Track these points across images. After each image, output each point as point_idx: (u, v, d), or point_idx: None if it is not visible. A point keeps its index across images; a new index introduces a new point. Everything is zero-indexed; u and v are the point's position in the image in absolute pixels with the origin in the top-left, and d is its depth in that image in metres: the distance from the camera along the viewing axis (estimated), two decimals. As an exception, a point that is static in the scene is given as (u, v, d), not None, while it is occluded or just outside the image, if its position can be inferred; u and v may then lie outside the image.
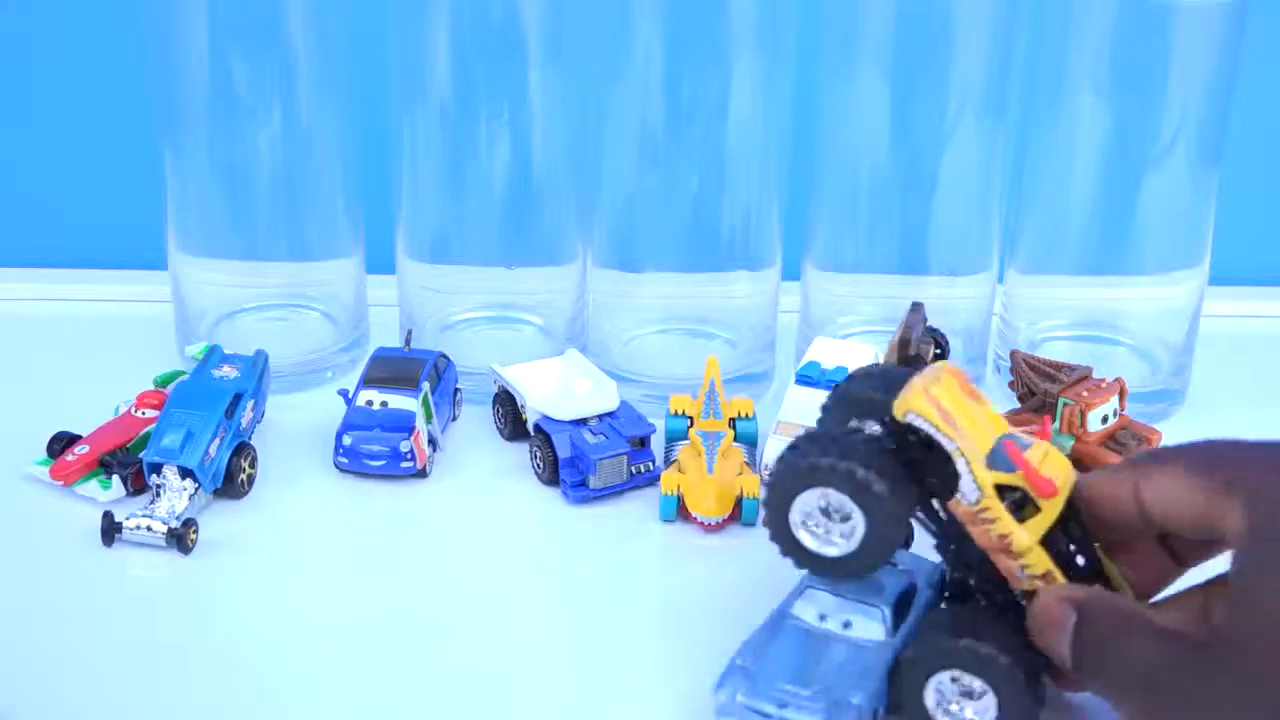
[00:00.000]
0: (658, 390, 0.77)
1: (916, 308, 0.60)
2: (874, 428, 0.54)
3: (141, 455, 0.68)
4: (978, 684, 0.51)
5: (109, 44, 0.91)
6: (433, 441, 0.72)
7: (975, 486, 0.50)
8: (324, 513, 0.69)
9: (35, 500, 0.69)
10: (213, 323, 0.81)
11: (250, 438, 0.71)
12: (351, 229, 0.82)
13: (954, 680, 0.52)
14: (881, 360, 0.72)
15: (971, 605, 0.55)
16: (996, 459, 0.51)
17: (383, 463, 0.71)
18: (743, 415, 0.72)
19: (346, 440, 0.71)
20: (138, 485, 0.69)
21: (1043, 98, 0.76)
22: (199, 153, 0.78)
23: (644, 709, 0.58)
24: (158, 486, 0.67)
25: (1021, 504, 0.51)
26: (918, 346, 0.60)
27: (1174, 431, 0.73)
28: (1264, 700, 0.44)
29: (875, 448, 0.52)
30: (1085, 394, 0.71)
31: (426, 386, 0.72)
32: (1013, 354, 0.76)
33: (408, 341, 0.77)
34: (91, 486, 0.69)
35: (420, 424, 0.71)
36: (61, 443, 0.71)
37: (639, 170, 0.76)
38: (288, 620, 0.62)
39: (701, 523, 0.67)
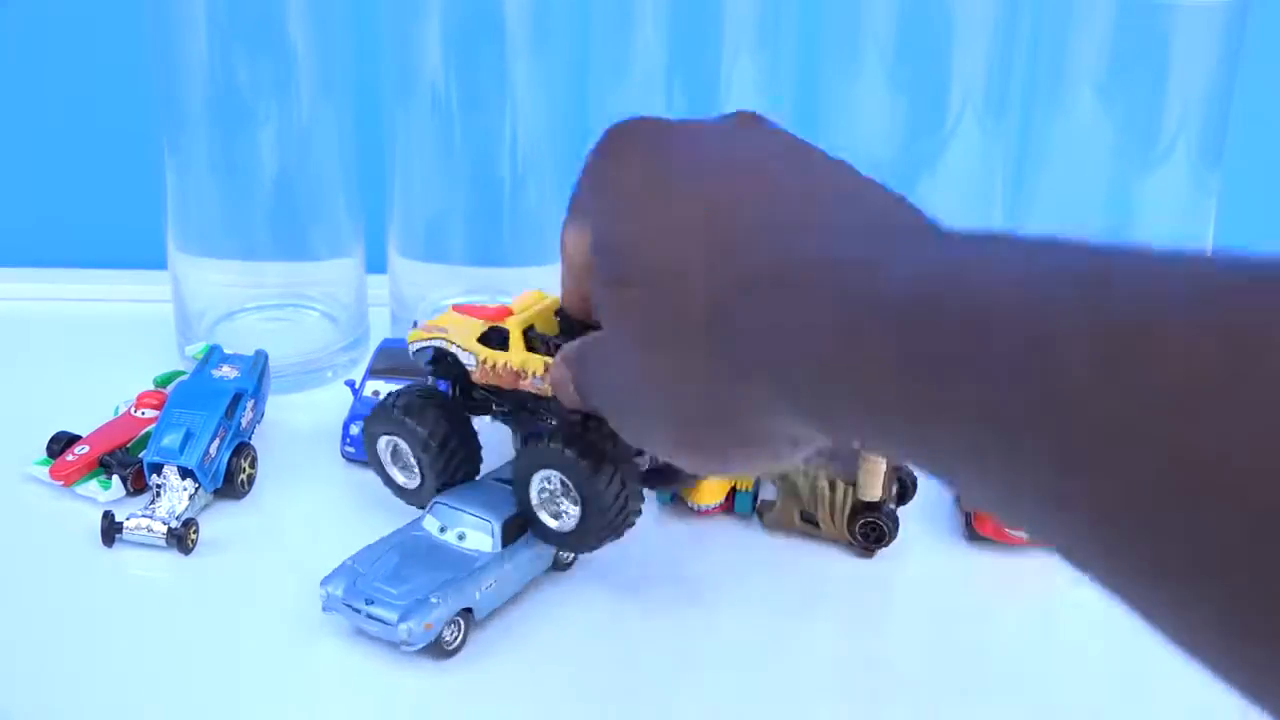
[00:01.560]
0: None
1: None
2: None
3: (141, 455, 0.68)
4: (556, 477, 0.60)
5: (109, 44, 0.91)
6: None
7: (468, 353, 0.62)
8: (324, 513, 0.69)
9: (35, 500, 0.69)
10: (213, 323, 0.81)
11: (250, 438, 0.71)
12: (351, 229, 0.82)
13: (546, 483, 0.61)
14: None
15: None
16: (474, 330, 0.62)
17: None
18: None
19: (354, 430, 0.72)
20: (138, 485, 0.69)
21: (1043, 97, 0.76)
22: (199, 153, 0.78)
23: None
24: (158, 486, 0.67)
25: (490, 336, 0.62)
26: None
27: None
28: (609, 340, 0.49)
29: (418, 396, 0.64)
30: None
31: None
32: None
33: None
34: (91, 486, 0.69)
35: None
36: (61, 443, 0.71)
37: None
38: (288, 620, 0.62)
39: (693, 508, 0.68)
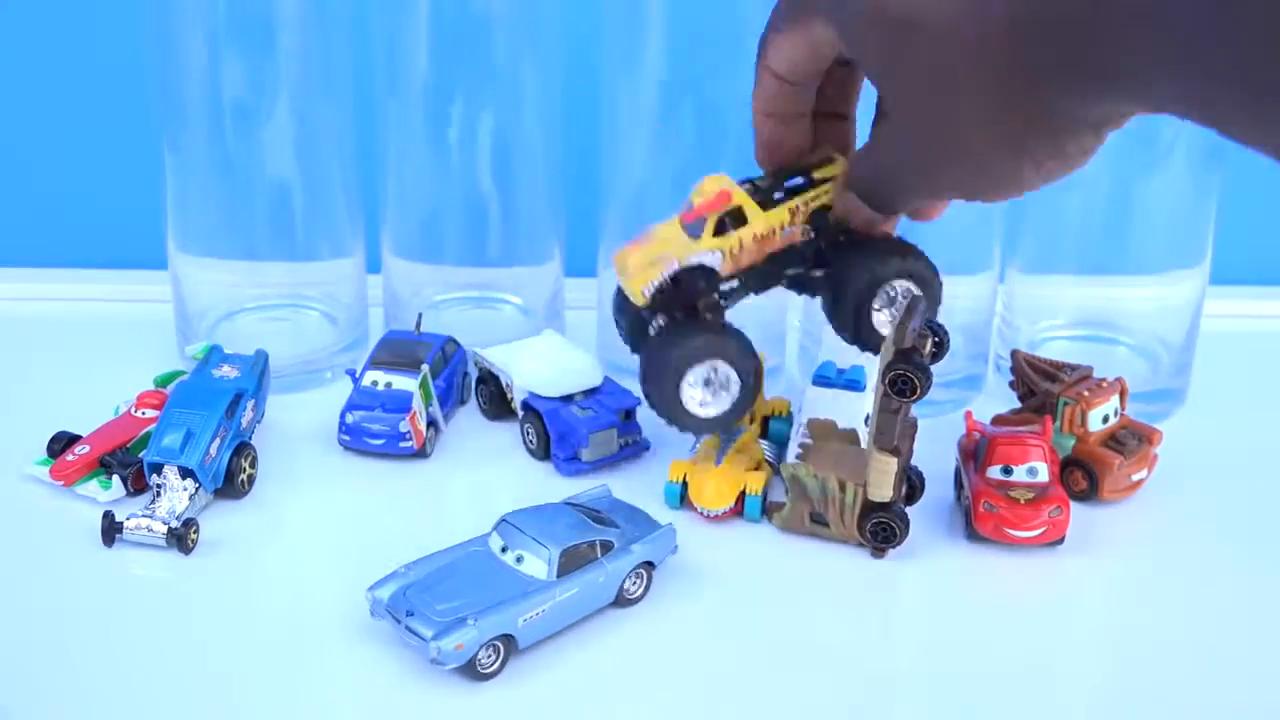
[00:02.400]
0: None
1: (914, 302, 0.63)
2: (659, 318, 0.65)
3: (142, 455, 0.68)
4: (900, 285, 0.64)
5: (109, 44, 0.91)
6: (433, 423, 0.73)
7: (711, 252, 0.62)
8: (324, 512, 0.69)
9: (35, 500, 0.69)
10: (213, 323, 0.81)
11: (250, 437, 0.71)
12: (351, 229, 0.82)
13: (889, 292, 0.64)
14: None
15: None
16: (691, 231, 0.63)
17: (382, 441, 0.72)
18: (777, 414, 0.74)
19: (349, 419, 0.72)
20: (138, 485, 0.69)
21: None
22: (199, 153, 0.78)
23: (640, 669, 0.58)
24: (158, 486, 0.67)
25: (724, 227, 0.62)
26: (912, 339, 0.62)
27: (1175, 431, 0.73)
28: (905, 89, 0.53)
29: (684, 322, 0.63)
30: (1086, 393, 0.71)
31: (426, 369, 0.73)
32: (1013, 353, 0.76)
33: (418, 325, 0.78)
34: (91, 486, 0.69)
35: (418, 405, 0.71)
36: (61, 443, 0.71)
37: (645, 166, 0.76)
38: (288, 620, 0.62)
39: (702, 513, 0.68)
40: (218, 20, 0.75)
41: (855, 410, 0.72)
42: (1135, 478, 0.71)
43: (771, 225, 0.62)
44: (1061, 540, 0.67)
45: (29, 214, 0.96)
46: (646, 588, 0.63)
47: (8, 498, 0.69)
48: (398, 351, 0.76)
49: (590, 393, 0.74)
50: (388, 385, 0.74)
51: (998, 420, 0.74)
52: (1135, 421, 0.73)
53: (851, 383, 0.75)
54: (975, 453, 0.69)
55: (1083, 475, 0.71)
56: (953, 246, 0.79)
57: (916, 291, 0.64)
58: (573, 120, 0.80)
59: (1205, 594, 0.65)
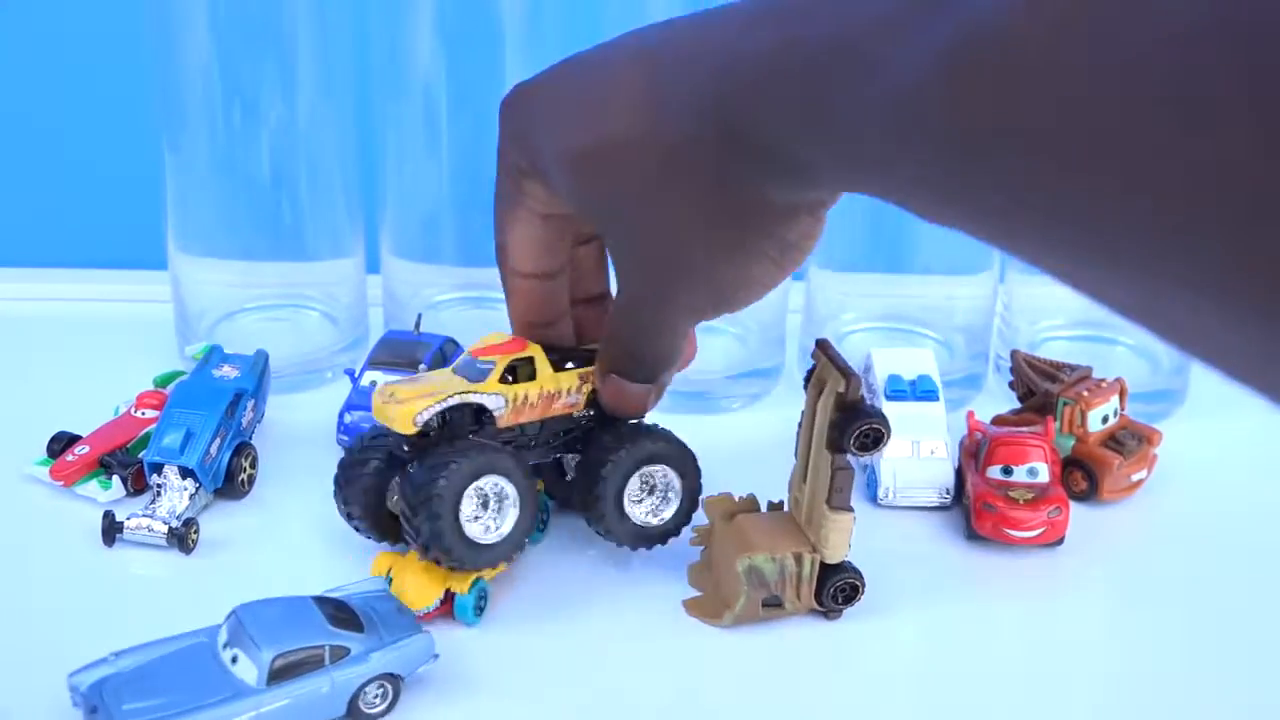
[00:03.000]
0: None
1: (826, 344, 0.61)
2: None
3: (142, 455, 0.68)
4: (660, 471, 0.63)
5: (110, 44, 0.91)
6: None
7: (495, 395, 0.60)
8: (324, 512, 0.69)
9: (35, 500, 0.69)
10: (213, 323, 0.81)
11: (251, 437, 0.71)
12: (351, 229, 0.82)
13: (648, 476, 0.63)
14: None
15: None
16: (475, 374, 0.60)
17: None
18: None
19: (348, 418, 0.72)
20: (138, 485, 0.69)
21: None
22: (199, 153, 0.78)
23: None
24: (158, 486, 0.67)
25: (515, 376, 0.60)
26: (855, 387, 0.59)
27: (1174, 431, 0.73)
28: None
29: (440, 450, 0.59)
30: (1085, 393, 0.71)
31: (424, 369, 0.73)
32: (1013, 354, 0.76)
33: (417, 325, 0.78)
34: (91, 486, 0.69)
35: None
36: (61, 443, 0.71)
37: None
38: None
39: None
40: (218, 20, 0.75)
41: (936, 422, 0.71)
42: (1135, 478, 0.71)
43: (560, 387, 0.61)
44: (1061, 540, 0.67)
45: (29, 214, 0.96)
46: (392, 702, 0.56)
47: (8, 498, 0.69)
48: (396, 351, 0.76)
49: None
50: None
51: (998, 420, 0.74)
52: (1135, 422, 0.73)
53: (927, 393, 0.72)
54: (976, 453, 0.69)
55: (1082, 475, 0.71)
56: (953, 246, 0.79)
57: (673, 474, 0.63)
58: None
59: (1205, 594, 0.65)
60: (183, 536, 0.65)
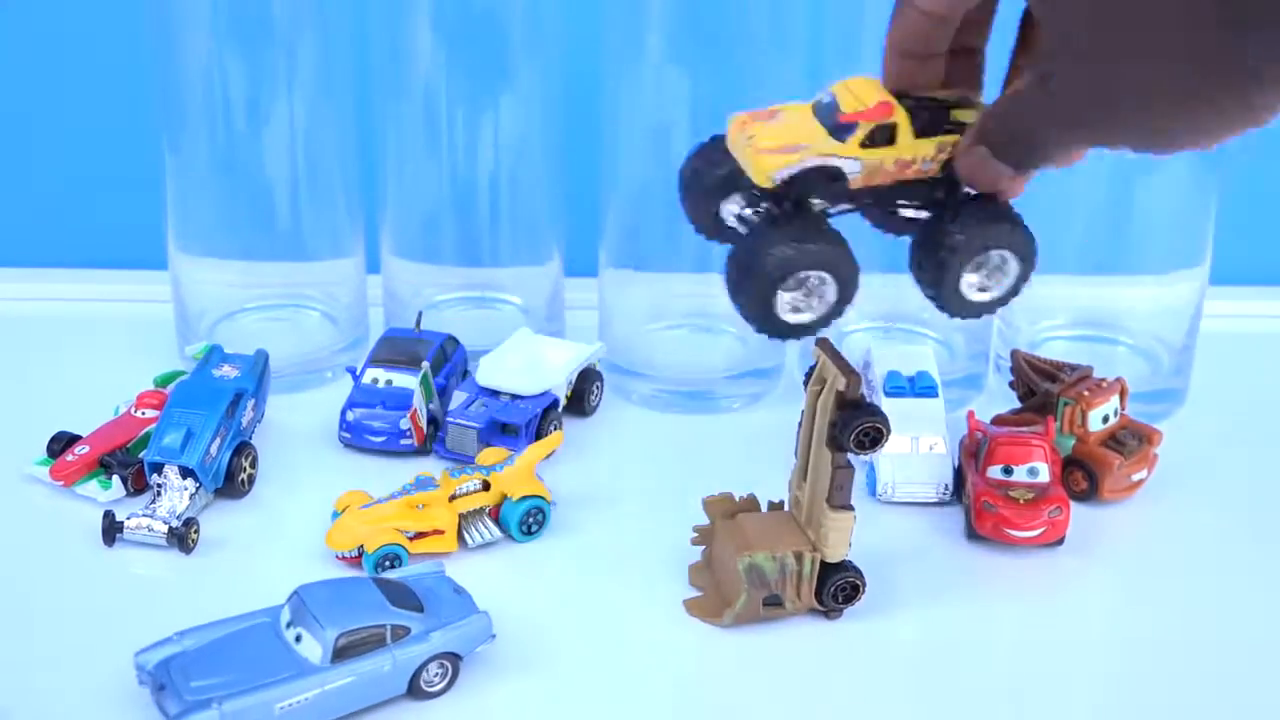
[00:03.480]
0: (666, 386, 0.78)
1: (826, 344, 0.61)
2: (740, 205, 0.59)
3: (142, 455, 0.68)
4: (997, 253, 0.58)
5: (109, 44, 0.91)
6: (433, 420, 0.73)
7: (853, 160, 0.56)
8: (324, 511, 0.69)
9: (35, 500, 0.69)
10: (213, 323, 0.81)
11: (250, 437, 0.71)
12: (351, 229, 0.82)
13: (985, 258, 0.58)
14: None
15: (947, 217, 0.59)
16: (838, 132, 0.56)
17: (383, 438, 0.72)
18: (515, 496, 0.67)
19: (350, 416, 0.73)
20: (138, 485, 0.69)
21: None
22: (199, 153, 0.78)
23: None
24: (159, 486, 0.67)
25: (874, 139, 0.57)
26: (856, 385, 0.59)
27: (1175, 431, 0.73)
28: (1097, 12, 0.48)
29: (792, 219, 0.57)
30: (1086, 393, 0.71)
31: (426, 366, 0.73)
32: (1013, 353, 0.76)
33: (418, 323, 0.78)
34: (91, 486, 0.69)
35: (418, 402, 0.71)
36: (61, 443, 0.71)
37: (645, 166, 0.76)
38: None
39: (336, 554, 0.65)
40: (218, 21, 0.75)
41: (934, 418, 0.71)
42: (1135, 478, 0.71)
43: (917, 155, 0.57)
44: (1061, 540, 0.67)
45: (29, 214, 0.96)
46: (450, 680, 0.57)
47: (8, 498, 0.69)
48: (398, 349, 0.76)
49: (518, 397, 0.74)
50: (388, 383, 0.74)
51: (998, 420, 0.74)
52: (1135, 421, 0.73)
53: (926, 389, 0.73)
54: (976, 452, 0.69)
55: (1083, 475, 0.71)
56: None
57: (995, 266, 0.59)
58: (573, 120, 0.80)
59: (1205, 593, 0.65)
60: (183, 536, 0.65)
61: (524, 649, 0.60)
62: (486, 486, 0.67)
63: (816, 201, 0.58)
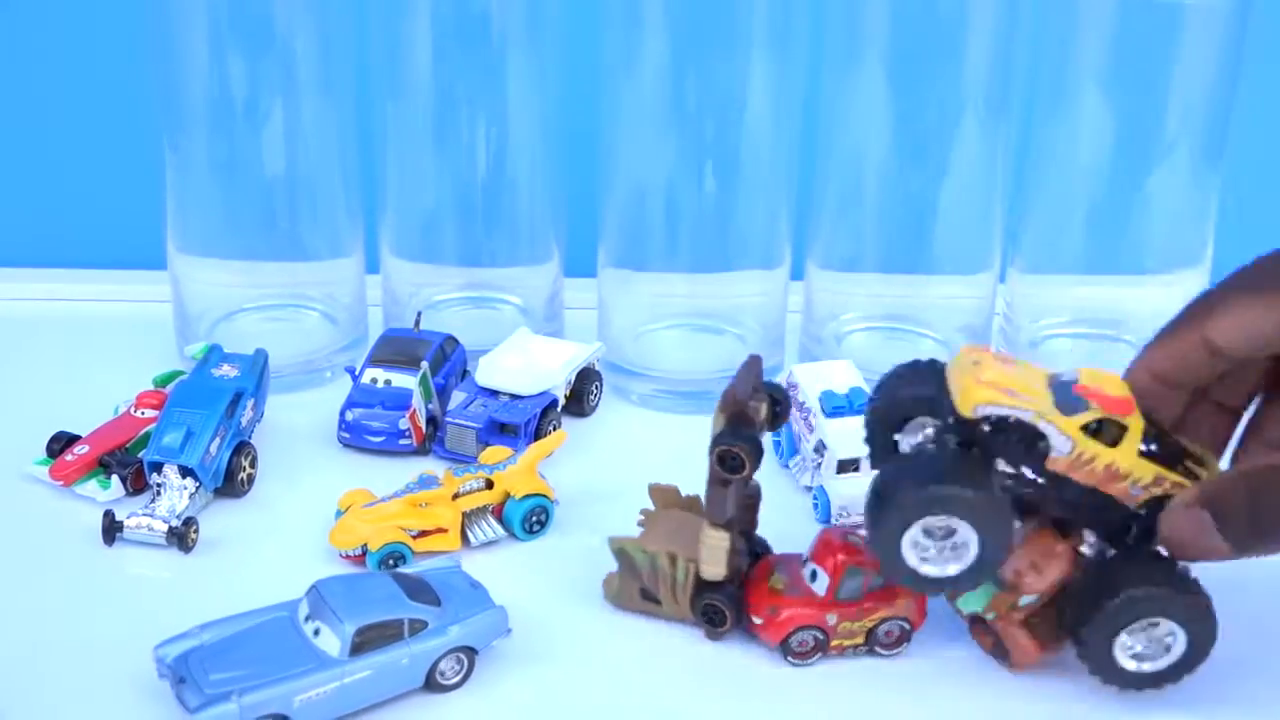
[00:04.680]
0: (666, 385, 0.78)
1: (750, 363, 0.60)
2: (924, 431, 0.56)
3: (141, 455, 0.68)
4: (1162, 620, 0.54)
5: (109, 44, 0.91)
6: (432, 420, 0.73)
7: (1066, 438, 0.52)
8: (324, 511, 0.69)
9: (35, 500, 0.69)
10: (213, 323, 0.81)
11: (250, 436, 0.71)
12: (351, 229, 0.82)
13: (1135, 628, 0.55)
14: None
15: (1110, 561, 0.56)
16: (1065, 404, 0.53)
17: (382, 439, 0.72)
18: (519, 494, 0.67)
19: (349, 416, 0.73)
20: (137, 485, 0.69)
21: (1045, 96, 0.76)
22: (199, 153, 0.78)
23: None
24: (158, 485, 0.67)
25: (1099, 431, 0.53)
26: (744, 404, 0.57)
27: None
28: None
29: (960, 459, 0.54)
30: None
31: (425, 366, 0.73)
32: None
33: (417, 323, 0.78)
34: (91, 486, 0.69)
35: (418, 402, 0.71)
36: (61, 443, 0.71)
37: (649, 167, 0.76)
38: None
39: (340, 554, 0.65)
40: (218, 20, 0.75)
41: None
42: None
43: (1133, 473, 0.53)
44: None
45: (29, 214, 0.96)
46: (466, 673, 0.58)
47: (7, 498, 0.69)
48: (397, 349, 0.76)
49: (516, 397, 0.74)
50: (387, 382, 0.74)
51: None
52: None
53: (865, 407, 0.72)
54: None
55: None
56: (953, 246, 0.79)
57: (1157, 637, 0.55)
58: (573, 120, 0.80)
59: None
60: (182, 535, 0.65)
61: (537, 644, 0.60)
62: (490, 485, 0.67)
63: (1004, 468, 0.54)
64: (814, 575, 0.59)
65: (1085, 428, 0.53)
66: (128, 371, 0.77)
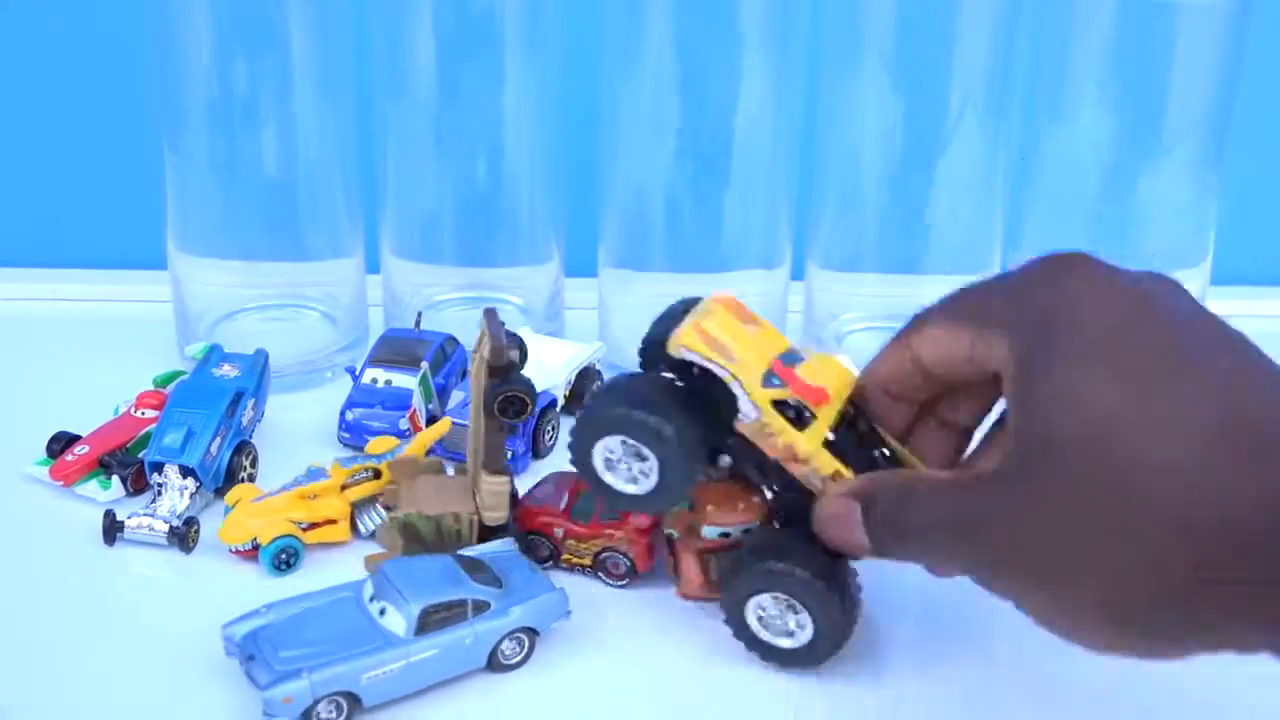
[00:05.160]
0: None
1: (490, 314, 0.61)
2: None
3: (142, 455, 0.68)
4: (794, 602, 0.56)
5: (109, 45, 0.91)
6: (432, 420, 0.73)
7: (753, 405, 0.54)
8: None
9: (35, 500, 0.69)
10: (213, 323, 0.81)
11: (251, 436, 0.71)
12: (351, 229, 0.82)
13: (775, 599, 0.56)
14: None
15: (787, 530, 0.58)
16: (769, 377, 0.55)
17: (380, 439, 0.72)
18: None
19: (349, 416, 0.73)
20: (138, 485, 0.69)
21: (1045, 96, 0.76)
22: (199, 153, 0.78)
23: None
24: (159, 485, 0.67)
25: (802, 414, 0.55)
26: (506, 354, 0.60)
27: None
28: (1064, 517, 0.44)
29: (667, 392, 0.57)
30: None
31: (426, 366, 0.73)
32: None
33: (417, 323, 0.78)
34: (91, 487, 0.69)
35: (418, 402, 0.71)
36: (61, 443, 0.71)
37: (649, 167, 0.76)
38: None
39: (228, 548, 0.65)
40: (218, 20, 0.75)
41: None
42: None
43: (812, 460, 0.55)
44: None
45: (29, 214, 0.96)
46: (527, 654, 0.59)
47: (7, 498, 0.69)
48: (398, 349, 0.76)
49: None
50: (388, 382, 0.74)
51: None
52: None
53: None
54: None
55: None
56: (953, 245, 0.80)
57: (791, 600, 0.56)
58: (573, 120, 0.80)
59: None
60: (183, 535, 0.65)
61: (595, 626, 0.61)
62: (377, 475, 0.67)
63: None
64: (560, 492, 0.65)
65: (777, 404, 0.54)
66: (128, 371, 0.77)
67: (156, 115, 0.78)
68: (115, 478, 0.69)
